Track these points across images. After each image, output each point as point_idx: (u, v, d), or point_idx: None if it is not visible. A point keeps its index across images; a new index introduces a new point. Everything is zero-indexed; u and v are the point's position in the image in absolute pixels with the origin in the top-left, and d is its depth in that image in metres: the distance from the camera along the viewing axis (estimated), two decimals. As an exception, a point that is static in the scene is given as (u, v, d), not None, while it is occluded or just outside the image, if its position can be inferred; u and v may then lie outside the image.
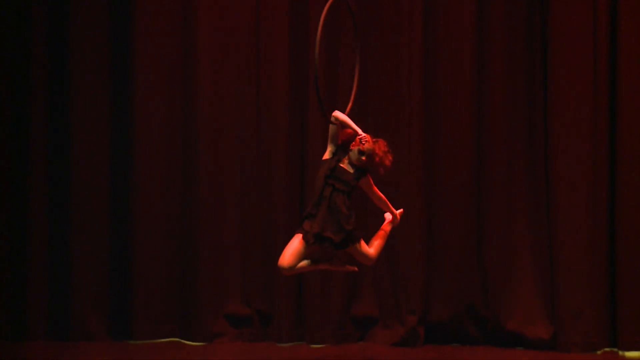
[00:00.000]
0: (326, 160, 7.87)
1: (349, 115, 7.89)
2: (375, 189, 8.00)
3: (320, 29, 7.80)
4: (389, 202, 8.09)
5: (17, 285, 9.73)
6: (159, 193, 9.80)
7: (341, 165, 7.89)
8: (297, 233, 7.74)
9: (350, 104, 8.14)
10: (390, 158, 7.91)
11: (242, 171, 9.79)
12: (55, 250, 9.76)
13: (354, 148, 7.84)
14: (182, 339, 9.67)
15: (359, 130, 7.82)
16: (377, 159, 7.86)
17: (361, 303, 9.66)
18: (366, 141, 7.81)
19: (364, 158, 7.82)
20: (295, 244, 7.75)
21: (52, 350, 9.33)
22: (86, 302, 9.67)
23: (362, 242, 7.90)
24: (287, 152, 9.68)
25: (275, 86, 9.72)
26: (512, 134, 9.55)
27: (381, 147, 7.87)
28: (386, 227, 8.14)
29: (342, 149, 7.91)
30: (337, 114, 7.87)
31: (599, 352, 9.20)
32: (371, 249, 7.97)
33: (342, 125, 7.88)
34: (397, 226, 8.22)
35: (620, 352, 9.18)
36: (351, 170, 7.88)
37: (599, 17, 9.32)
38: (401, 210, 8.19)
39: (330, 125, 7.89)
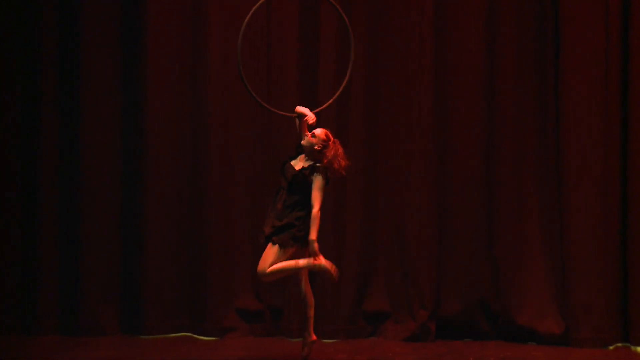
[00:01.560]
0: None
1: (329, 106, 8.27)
2: (316, 198, 7.87)
3: (246, 21, 8.08)
4: (316, 227, 7.85)
5: (28, 280, 9.75)
6: (170, 189, 9.81)
7: (291, 162, 8.02)
8: None
9: (335, 96, 8.28)
10: (345, 163, 7.96)
11: (252, 165, 9.79)
12: (66, 245, 9.77)
13: (309, 137, 7.98)
14: (193, 333, 9.68)
15: (309, 114, 7.97)
16: (329, 152, 7.94)
17: (372, 298, 9.66)
18: (320, 135, 7.96)
19: (316, 147, 7.92)
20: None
21: (63, 345, 9.33)
22: (97, 296, 9.69)
23: (272, 250, 7.87)
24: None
25: (285, 80, 9.72)
26: (524, 127, 9.54)
27: (337, 146, 7.95)
28: (301, 260, 7.95)
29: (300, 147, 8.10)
30: (298, 108, 8.11)
31: (611, 348, 9.19)
32: (269, 267, 7.86)
33: (299, 116, 7.99)
34: (316, 269, 8.00)
35: (633, 348, 9.18)
36: (297, 166, 7.92)
37: (611, 11, 9.30)
38: (330, 266, 7.93)
39: (296, 121, 8.09)
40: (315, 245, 7.87)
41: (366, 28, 9.67)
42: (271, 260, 7.91)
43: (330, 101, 8.34)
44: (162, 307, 9.69)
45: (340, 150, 8.00)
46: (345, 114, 9.64)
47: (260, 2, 8.12)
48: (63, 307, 9.72)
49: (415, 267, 9.56)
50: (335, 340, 9.49)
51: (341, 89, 8.39)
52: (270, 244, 7.96)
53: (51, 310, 9.70)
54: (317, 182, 7.91)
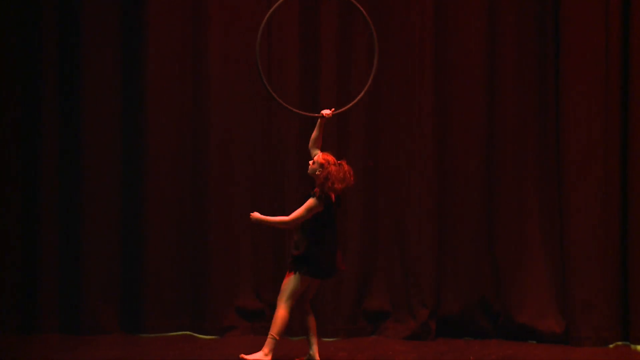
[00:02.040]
0: None
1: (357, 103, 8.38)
2: (295, 212, 8.01)
3: (264, 24, 8.22)
4: (271, 221, 8.07)
5: (29, 279, 9.75)
6: (170, 189, 9.82)
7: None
8: None
9: (363, 92, 8.32)
10: (339, 186, 7.97)
11: (252, 165, 9.80)
12: (66, 245, 9.77)
13: (310, 164, 8.10)
14: (193, 332, 9.69)
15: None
16: (322, 174, 7.99)
17: (373, 297, 9.67)
18: (318, 159, 8.04)
19: (317, 172, 8.04)
20: None
21: (64, 344, 9.34)
22: (97, 295, 9.70)
23: (288, 277, 8.09)
24: (298, 145, 9.69)
25: (285, 80, 9.72)
26: (524, 126, 9.56)
27: (330, 168, 7.96)
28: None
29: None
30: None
31: (611, 346, 9.20)
32: (284, 296, 8.11)
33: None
34: None
35: (632, 346, 9.18)
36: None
37: (611, 11, 9.32)
38: None
39: (318, 125, 8.14)
40: (255, 217, 8.03)
41: (367, 28, 9.66)
42: (288, 287, 8.10)
43: (361, 95, 8.37)
44: (162, 306, 9.70)
45: (334, 172, 7.97)
46: (345, 115, 9.65)
47: (279, 1, 8.22)
48: (63, 306, 9.73)
49: (416, 267, 9.57)
50: (336, 339, 9.49)
51: (369, 82, 8.41)
52: (287, 271, 8.16)
53: (51, 309, 9.71)
54: (306, 202, 7.98)
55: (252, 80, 9.73)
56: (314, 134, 8.19)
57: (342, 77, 9.67)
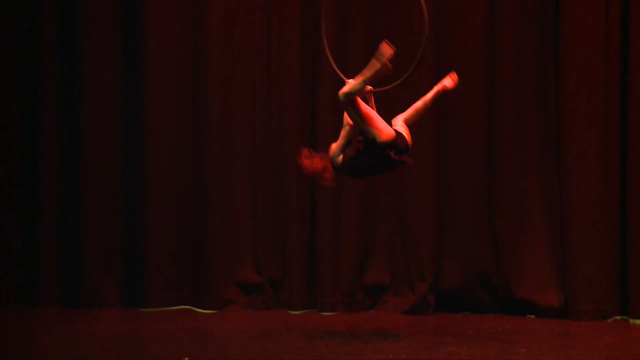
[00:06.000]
0: None
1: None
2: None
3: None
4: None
5: (29, 253, 9.78)
6: (171, 163, 9.82)
7: None
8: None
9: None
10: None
11: (253, 138, 9.80)
12: (67, 218, 9.79)
13: None
14: (193, 306, 9.71)
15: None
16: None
17: (372, 271, 9.67)
18: None
19: None
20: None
21: (64, 317, 9.36)
22: (98, 269, 9.72)
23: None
24: (298, 117, 9.68)
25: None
26: (524, 99, 9.51)
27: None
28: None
29: None
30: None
31: (609, 320, 9.20)
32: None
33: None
34: None
35: (631, 320, 9.19)
36: None
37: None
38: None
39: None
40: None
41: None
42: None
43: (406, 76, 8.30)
44: (162, 280, 9.72)
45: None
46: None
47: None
48: (64, 280, 9.75)
49: (415, 240, 9.57)
50: (335, 312, 9.50)
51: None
52: None
53: (52, 283, 9.73)
54: None
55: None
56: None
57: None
